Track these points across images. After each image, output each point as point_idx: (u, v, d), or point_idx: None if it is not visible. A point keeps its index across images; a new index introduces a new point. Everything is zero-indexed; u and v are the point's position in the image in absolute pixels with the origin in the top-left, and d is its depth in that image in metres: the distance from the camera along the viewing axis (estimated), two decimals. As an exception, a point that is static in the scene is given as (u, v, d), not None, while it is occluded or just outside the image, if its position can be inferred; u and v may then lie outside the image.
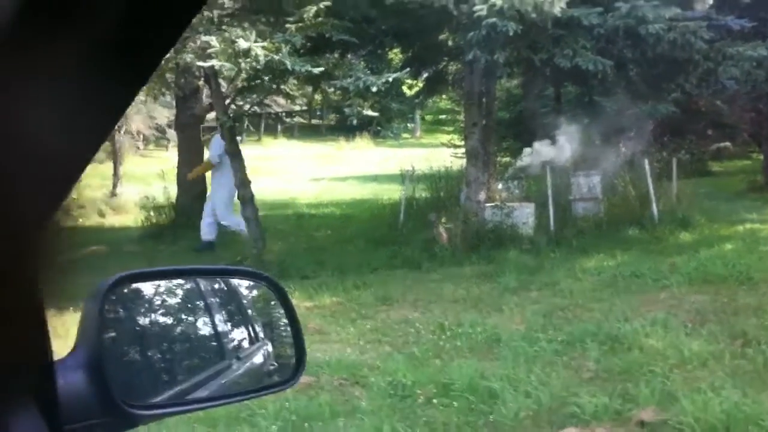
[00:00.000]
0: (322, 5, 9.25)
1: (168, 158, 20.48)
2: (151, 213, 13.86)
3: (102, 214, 15.40)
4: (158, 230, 13.42)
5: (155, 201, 13.95)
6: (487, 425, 4.49)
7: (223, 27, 9.57)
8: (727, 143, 20.54)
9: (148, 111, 19.93)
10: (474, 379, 5.08)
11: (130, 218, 14.83)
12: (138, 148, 23.26)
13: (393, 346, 6.30)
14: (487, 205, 11.16)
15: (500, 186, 12.24)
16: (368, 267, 9.95)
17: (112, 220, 15.51)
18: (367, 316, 7.34)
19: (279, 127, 31.90)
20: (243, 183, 10.65)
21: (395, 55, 13.87)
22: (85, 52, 0.49)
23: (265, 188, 15.95)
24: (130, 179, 17.28)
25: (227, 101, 11.19)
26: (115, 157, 17.70)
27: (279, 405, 4.59)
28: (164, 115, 21.28)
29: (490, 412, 4.60)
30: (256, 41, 8.89)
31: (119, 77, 0.54)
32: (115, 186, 17.46)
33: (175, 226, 13.36)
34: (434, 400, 4.88)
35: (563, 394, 4.83)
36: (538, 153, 12.04)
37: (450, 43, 11.21)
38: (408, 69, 11.11)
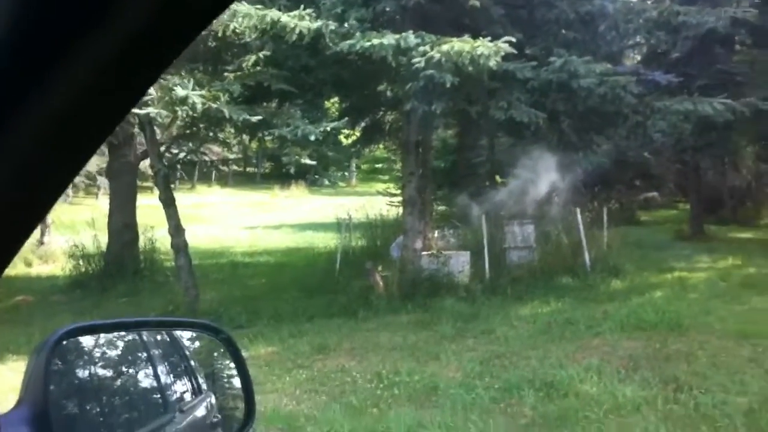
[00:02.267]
0: (261, 55, 9.28)
1: (98, 206, 20.05)
2: (80, 262, 13.53)
3: (29, 263, 14.94)
4: (87, 279, 13.10)
5: (84, 249, 13.62)
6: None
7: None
8: (655, 193, 21.17)
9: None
10: (412, 428, 5.06)
11: (58, 267, 14.44)
12: (67, 195, 22.71)
13: (330, 396, 6.23)
14: (423, 253, 11.21)
15: (436, 234, 12.31)
16: (304, 316, 9.86)
17: (39, 269, 15.06)
18: (303, 365, 7.26)
19: (213, 174, 31.67)
20: (177, 231, 10.50)
21: (332, 104, 13.94)
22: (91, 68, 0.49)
23: (199, 236, 15.73)
24: (58, 227, 16.83)
25: (162, 148, 11.05)
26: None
27: (214, 459, 4.47)
28: (94, 162, 20.84)
29: (429, 462, 4.57)
30: (194, 89, 8.84)
31: (115, 93, 0.53)
32: (42, 234, 16.90)
33: (104, 275, 13.05)
34: (372, 451, 4.83)
35: (501, 442, 4.83)
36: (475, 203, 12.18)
37: (388, 93, 11.33)
38: (346, 118, 11.20)
